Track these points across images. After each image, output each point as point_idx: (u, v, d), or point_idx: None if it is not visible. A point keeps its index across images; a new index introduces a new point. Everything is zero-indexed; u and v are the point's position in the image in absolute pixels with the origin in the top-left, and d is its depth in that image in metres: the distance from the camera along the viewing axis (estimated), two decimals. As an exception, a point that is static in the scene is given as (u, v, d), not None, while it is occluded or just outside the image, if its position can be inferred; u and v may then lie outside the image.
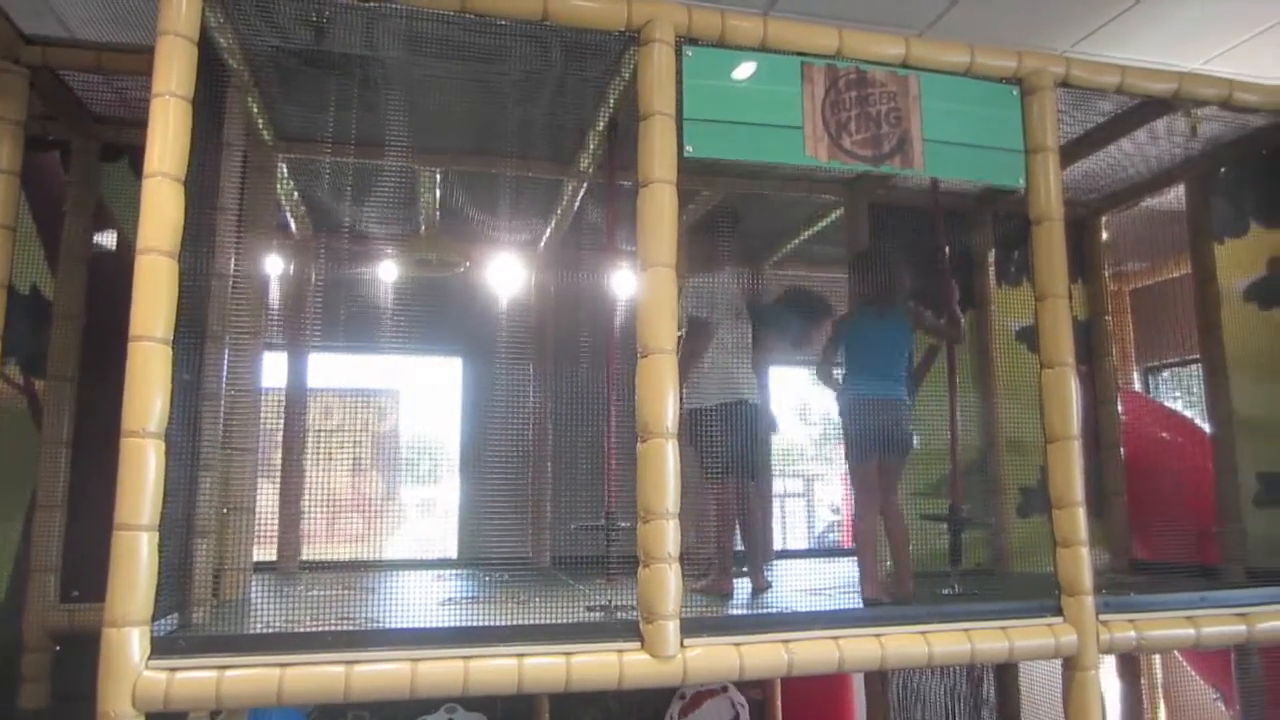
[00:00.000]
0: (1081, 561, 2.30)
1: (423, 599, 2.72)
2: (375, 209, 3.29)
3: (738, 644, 2.05)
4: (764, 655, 2.06)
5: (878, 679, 3.56)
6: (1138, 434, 3.90)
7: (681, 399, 3.28)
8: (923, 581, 2.92)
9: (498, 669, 1.91)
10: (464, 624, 2.15)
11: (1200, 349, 3.28)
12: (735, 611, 2.32)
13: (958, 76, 2.53)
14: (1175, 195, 3.54)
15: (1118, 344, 5.18)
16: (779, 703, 3.67)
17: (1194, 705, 4.55)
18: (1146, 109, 2.85)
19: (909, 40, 2.49)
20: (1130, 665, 3.84)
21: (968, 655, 2.23)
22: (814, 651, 2.09)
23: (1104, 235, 3.83)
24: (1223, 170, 3.28)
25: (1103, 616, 2.32)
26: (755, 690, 3.64)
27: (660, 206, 2.17)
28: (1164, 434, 4.01)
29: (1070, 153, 3.16)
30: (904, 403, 2.75)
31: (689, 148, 2.28)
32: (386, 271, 3.53)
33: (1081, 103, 2.80)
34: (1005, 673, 3.60)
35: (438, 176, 3.35)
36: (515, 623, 2.06)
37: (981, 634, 2.22)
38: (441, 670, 1.88)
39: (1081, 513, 2.32)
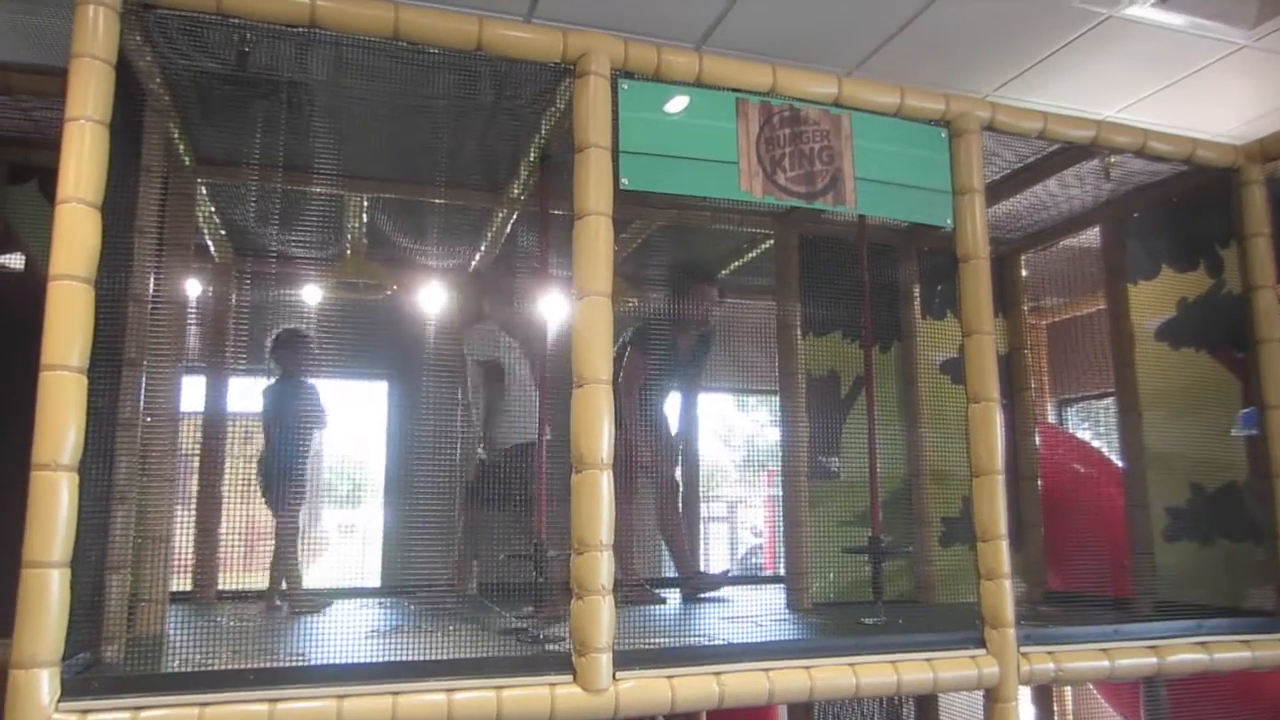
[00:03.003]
0: (1005, 594, 2.36)
1: (347, 630, 2.64)
2: (300, 233, 3.23)
3: (669, 676, 2.04)
4: (695, 687, 2.06)
5: (801, 708, 3.58)
6: (1054, 466, 4.02)
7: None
8: (847, 611, 2.97)
9: (427, 704, 1.87)
10: (391, 658, 2.08)
11: (1115, 386, 3.41)
12: (668, 644, 2.30)
13: (888, 117, 2.60)
14: (1091, 236, 3.69)
15: (1035, 377, 5.37)
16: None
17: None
18: (1066, 153, 2.97)
19: (841, 80, 2.55)
20: (1045, 696, 3.93)
21: (894, 686, 2.26)
22: (745, 683, 2.10)
23: (1023, 272, 3.95)
24: (1135, 215, 3.43)
25: (1023, 649, 2.37)
26: (682, 721, 3.61)
27: (595, 238, 2.18)
28: (1078, 467, 4.15)
29: (993, 192, 3.28)
30: None
31: (624, 180, 2.29)
32: (311, 295, 3.46)
33: (1005, 146, 2.91)
34: (925, 700, 3.64)
35: (364, 202, 3.32)
36: (445, 656, 2.02)
37: (907, 665, 2.25)
38: (369, 708, 1.83)
39: (1005, 546, 2.37)
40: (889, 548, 2.96)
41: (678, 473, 3.83)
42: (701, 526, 3.99)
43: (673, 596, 3.53)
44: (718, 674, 2.09)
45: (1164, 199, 3.27)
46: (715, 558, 4.42)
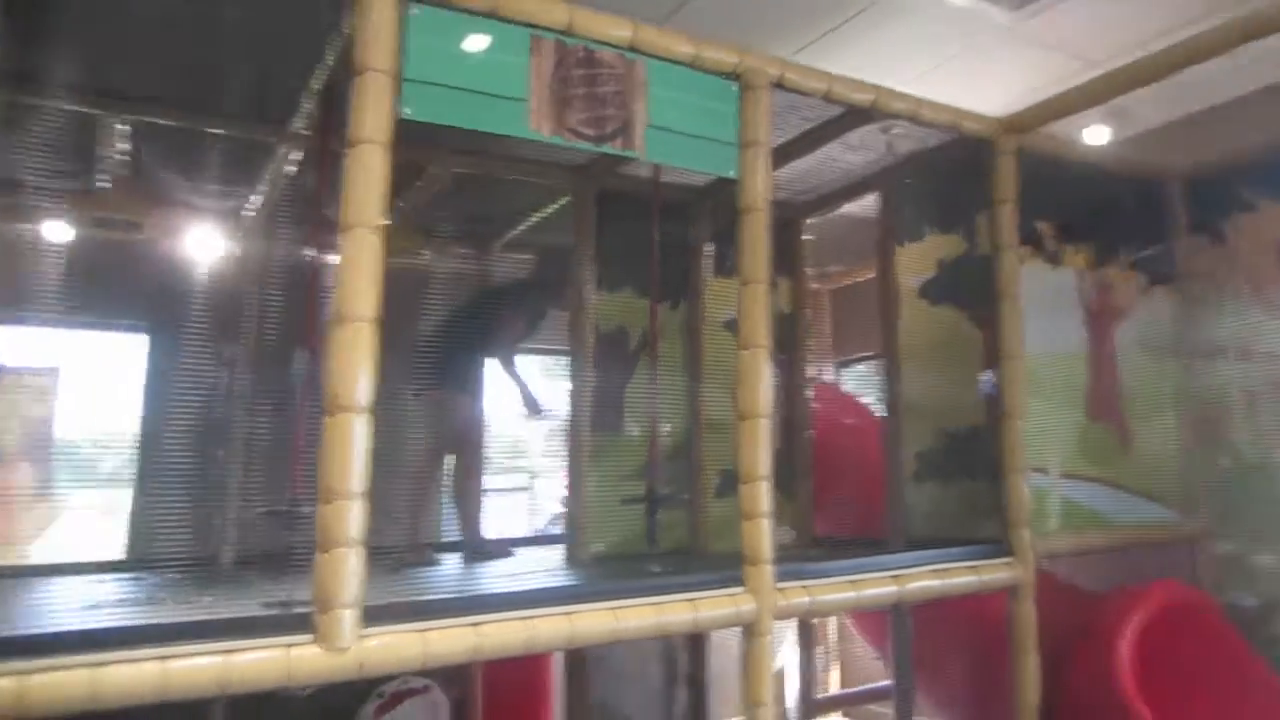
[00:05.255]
0: (763, 533, 2.46)
1: (62, 604, 2.38)
2: (41, 157, 2.87)
3: (423, 630, 1.98)
4: (451, 640, 2.00)
5: (577, 668, 3.63)
6: (826, 420, 4.26)
7: None
8: (625, 564, 3.04)
9: (135, 675, 1.69)
10: (96, 626, 1.87)
11: (881, 341, 3.65)
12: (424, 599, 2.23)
13: (682, 67, 2.60)
14: (869, 202, 3.91)
15: (818, 338, 5.67)
16: (479, 699, 3.62)
17: (860, 666, 5.12)
18: (850, 118, 3.11)
19: (637, 26, 2.52)
20: (808, 635, 4.20)
21: (656, 628, 2.31)
22: (504, 633, 2.07)
23: (807, 236, 4.13)
24: (908, 181, 3.66)
25: (780, 584, 2.50)
26: (455, 689, 3.57)
27: (368, 168, 2.05)
28: (849, 420, 4.43)
29: (781, 155, 3.39)
30: None
31: (406, 109, 2.17)
32: (53, 232, 3.08)
33: (792, 110, 3.00)
34: (696, 645, 3.78)
35: (123, 126, 2.98)
36: (164, 620, 1.86)
37: (669, 607, 2.31)
38: (62, 682, 1.63)
39: (766, 486, 2.48)
40: (663, 497, 3.03)
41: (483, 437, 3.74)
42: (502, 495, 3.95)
43: (452, 561, 3.45)
44: (475, 624, 2.05)
45: (932, 166, 3.50)
46: (515, 527, 4.43)
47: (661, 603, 2.31)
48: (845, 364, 5.82)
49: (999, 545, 3.09)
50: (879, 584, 2.73)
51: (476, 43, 2.30)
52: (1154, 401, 3.78)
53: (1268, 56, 3.37)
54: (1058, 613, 3.30)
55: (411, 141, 2.21)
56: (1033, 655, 3.04)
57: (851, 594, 2.66)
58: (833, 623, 5.34)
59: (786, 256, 4.09)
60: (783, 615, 2.51)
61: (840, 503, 4.06)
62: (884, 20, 3.43)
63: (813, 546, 3.80)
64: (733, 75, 2.65)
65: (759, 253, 2.58)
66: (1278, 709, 3.20)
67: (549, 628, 2.12)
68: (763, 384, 2.52)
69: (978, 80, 3.82)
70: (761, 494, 2.48)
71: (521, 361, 3.73)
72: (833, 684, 5.33)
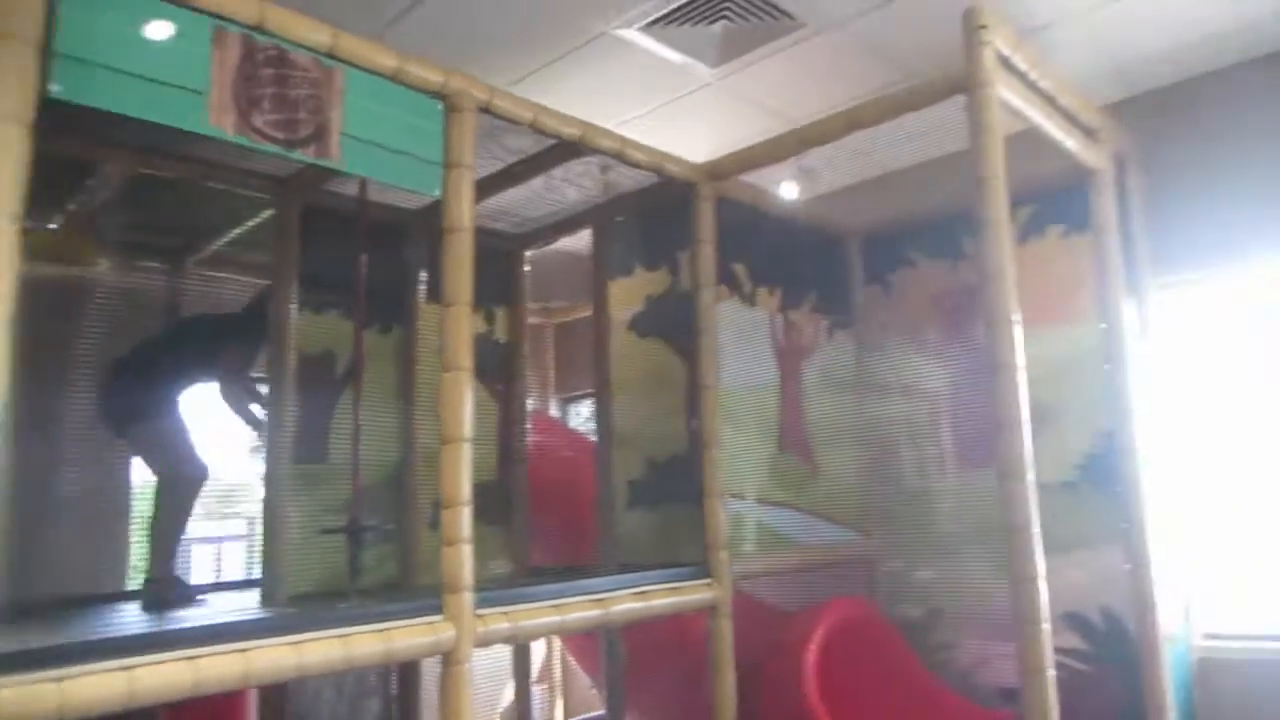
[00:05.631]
0: (464, 559, 2.40)
1: None
2: None
3: (58, 679, 1.71)
4: (96, 687, 1.75)
5: (275, 693, 3.34)
6: (544, 451, 4.28)
7: None
8: (325, 601, 2.83)
9: None
10: None
11: (594, 372, 3.74)
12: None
13: (385, 80, 2.53)
14: (586, 239, 4.02)
15: (541, 371, 5.73)
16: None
17: (581, 698, 5.14)
18: (560, 152, 3.18)
19: (337, 32, 2.43)
20: (524, 667, 4.14)
21: (345, 661, 2.16)
22: (162, 675, 1.84)
23: (526, 267, 4.17)
24: (619, 218, 3.81)
25: (480, 611, 2.43)
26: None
27: (4, 146, 1.79)
28: (566, 451, 4.48)
29: (497, 182, 3.41)
30: None
31: (55, 87, 1.92)
32: None
33: (504, 134, 3.02)
34: (407, 671, 3.62)
35: None
36: None
37: (359, 639, 2.17)
38: None
39: (467, 512, 2.42)
40: (366, 527, 2.87)
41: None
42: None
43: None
44: (128, 669, 1.80)
45: (642, 205, 3.67)
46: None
47: (349, 634, 2.16)
48: (570, 400, 5.91)
49: (699, 567, 3.23)
50: (583, 608, 2.74)
51: (149, 24, 2.10)
52: (835, 433, 4.16)
53: (928, 134, 3.91)
54: (754, 630, 3.50)
55: (79, 131, 1.97)
56: (730, 672, 3.18)
57: (555, 619, 2.65)
58: (557, 657, 5.33)
59: (507, 286, 4.10)
60: (483, 642, 2.45)
61: (557, 532, 4.07)
62: (597, 63, 3.57)
63: (529, 577, 3.77)
64: (438, 94, 2.62)
65: (463, 275, 2.55)
66: (935, 708, 3.57)
67: (217, 666, 1.91)
68: (465, 407, 2.47)
69: (686, 128, 4.08)
70: (462, 519, 2.42)
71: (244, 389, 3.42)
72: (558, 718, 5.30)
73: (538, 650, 5.34)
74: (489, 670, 4.34)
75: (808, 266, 4.20)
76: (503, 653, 4.13)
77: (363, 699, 3.87)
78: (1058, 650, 3.39)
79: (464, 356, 2.49)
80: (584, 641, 4.26)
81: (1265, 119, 3.54)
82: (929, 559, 3.99)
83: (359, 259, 3.05)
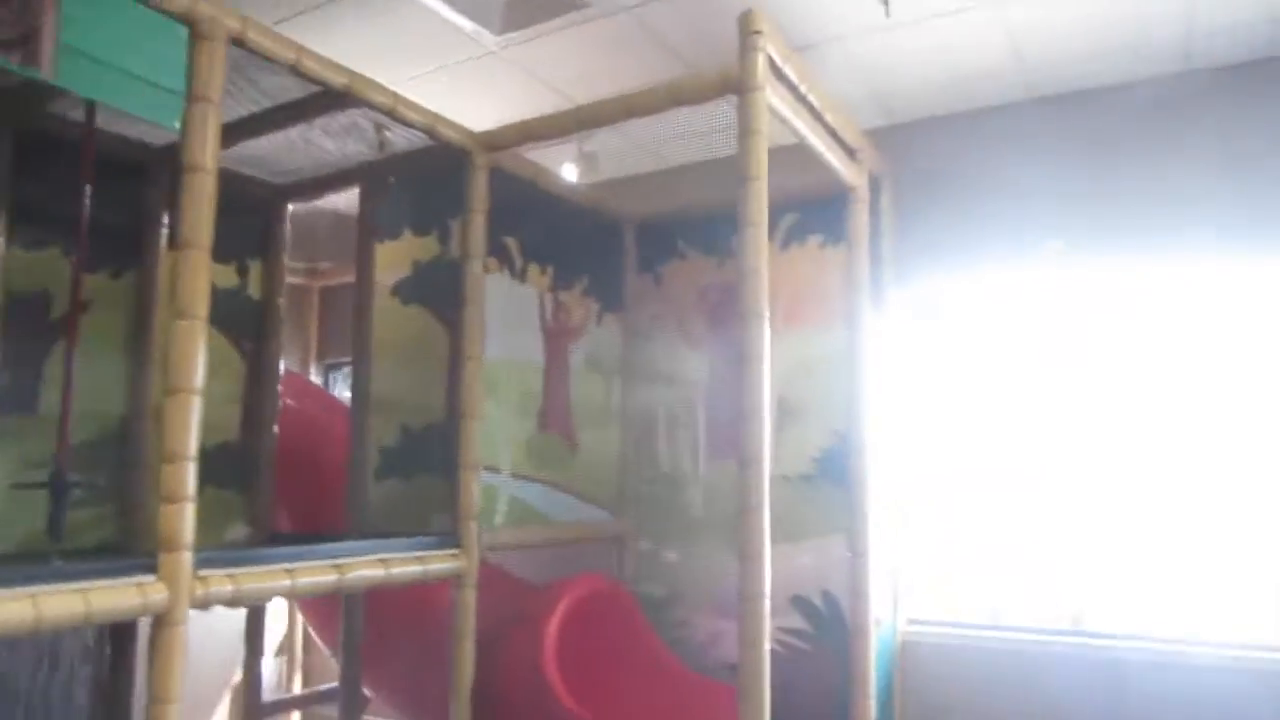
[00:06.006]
0: (184, 517, 2.25)
1: None
2: None
3: None
4: None
5: None
6: (295, 416, 4.09)
7: None
8: (24, 561, 2.57)
9: None
10: None
11: (353, 336, 3.61)
12: None
13: (120, -7, 2.31)
14: (354, 198, 3.87)
15: (303, 333, 5.46)
16: None
17: (325, 671, 4.97)
18: (328, 101, 3.03)
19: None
20: (255, 631, 3.94)
21: (35, 622, 1.97)
22: None
23: (286, 223, 3.96)
24: (390, 179, 3.70)
25: (201, 572, 2.30)
26: None
27: None
28: (319, 415, 4.30)
29: (251, 129, 3.21)
30: None
31: None
32: None
33: (261, 72, 2.83)
34: (121, 632, 3.34)
35: None
36: None
37: (49, 599, 1.98)
38: None
39: (190, 468, 2.27)
40: (72, 483, 2.63)
41: None
42: None
43: None
44: None
45: (414, 167, 3.58)
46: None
47: (38, 593, 1.97)
48: (334, 366, 5.67)
49: (447, 537, 3.21)
50: (317, 573, 2.64)
51: None
52: (599, 415, 4.26)
53: (708, 134, 4.08)
54: (502, 602, 3.53)
55: None
56: (470, 641, 3.19)
57: (286, 582, 2.54)
58: (300, 629, 5.12)
59: (264, 239, 3.88)
60: (202, 604, 2.30)
61: (304, 499, 3.91)
62: (379, 16, 3.44)
63: (268, 543, 3.59)
64: (184, 19, 2.42)
65: (200, 217, 2.36)
66: (668, 681, 3.75)
67: None
68: (196, 358, 2.31)
69: (469, 95, 4.01)
70: (184, 475, 2.26)
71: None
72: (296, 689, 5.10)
73: (281, 624, 5.12)
74: (229, 641, 4.12)
75: (582, 250, 4.27)
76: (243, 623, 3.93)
77: (82, 666, 3.53)
78: (784, 630, 3.71)
79: (199, 305, 2.32)
80: (326, 615, 4.12)
81: (994, 158, 3.96)
82: (675, 542, 4.19)
83: (82, 192, 2.77)
